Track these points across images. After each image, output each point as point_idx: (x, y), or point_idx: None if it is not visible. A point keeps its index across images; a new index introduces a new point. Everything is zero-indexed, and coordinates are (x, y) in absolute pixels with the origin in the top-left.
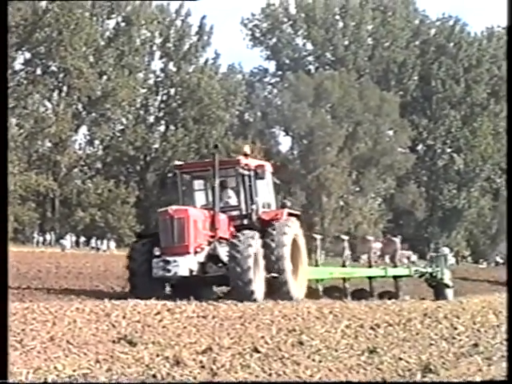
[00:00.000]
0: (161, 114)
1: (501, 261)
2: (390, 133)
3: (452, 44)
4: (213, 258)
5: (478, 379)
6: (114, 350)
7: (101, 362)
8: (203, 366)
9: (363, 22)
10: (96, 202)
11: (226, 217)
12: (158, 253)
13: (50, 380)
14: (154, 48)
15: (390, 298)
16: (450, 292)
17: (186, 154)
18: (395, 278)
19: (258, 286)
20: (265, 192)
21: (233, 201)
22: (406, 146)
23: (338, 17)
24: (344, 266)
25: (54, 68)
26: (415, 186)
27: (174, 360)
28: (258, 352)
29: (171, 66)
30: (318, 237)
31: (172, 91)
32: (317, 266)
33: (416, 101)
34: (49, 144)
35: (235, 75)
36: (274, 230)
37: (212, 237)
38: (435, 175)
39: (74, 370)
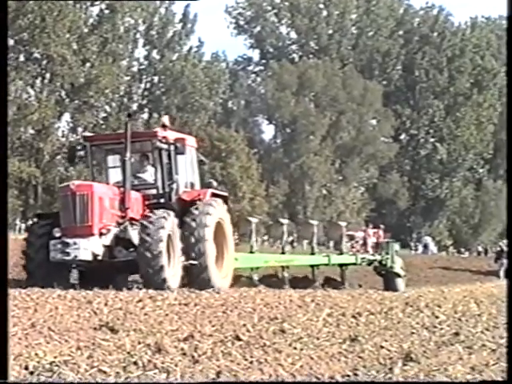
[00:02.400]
0: (144, 102)
1: (483, 250)
2: (374, 122)
3: (436, 34)
4: (123, 241)
5: (459, 367)
6: (95, 337)
7: (82, 348)
8: (185, 354)
9: (347, 10)
10: None
11: (140, 196)
12: (57, 234)
13: (31, 367)
14: (138, 35)
15: (333, 288)
16: (401, 282)
17: None
18: (341, 266)
19: (173, 273)
20: (188, 170)
21: (150, 178)
22: (389, 135)
23: (321, 5)
24: (283, 252)
25: (37, 55)
26: (398, 176)
27: (156, 347)
28: (240, 340)
29: (155, 54)
30: (254, 220)
31: (155, 79)
32: (251, 252)
33: (399, 90)
34: (31, 131)
35: (219, 63)
36: (194, 212)
37: (122, 217)
38: (418, 165)
39: (55, 357)
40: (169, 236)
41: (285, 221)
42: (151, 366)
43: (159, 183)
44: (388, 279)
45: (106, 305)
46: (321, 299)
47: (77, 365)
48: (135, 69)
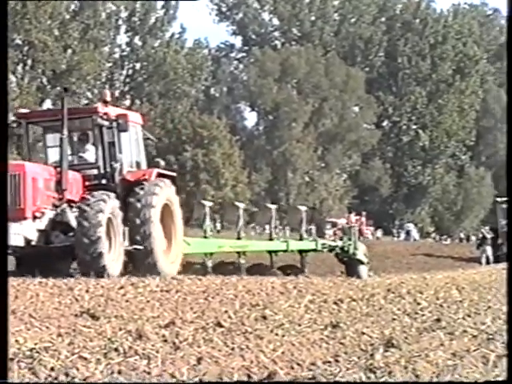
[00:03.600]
0: (126, 89)
1: (465, 237)
2: (356, 109)
3: (418, 20)
4: (60, 225)
5: (440, 353)
6: (76, 324)
7: (63, 335)
8: (166, 340)
9: None
10: None
11: (80, 176)
12: None
13: (11, 354)
14: (120, 22)
15: (292, 274)
16: (364, 269)
17: (151, 129)
18: (301, 252)
19: (113, 260)
20: (133, 148)
21: (91, 157)
22: (371, 122)
23: None
24: (239, 238)
25: (18, 41)
26: (380, 163)
27: (137, 334)
28: (221, 326)
29: (137, 40)
30: (208, 204)
31: (137, 65)
32: (205, 237)
33: (382, 77)
34: (13, 118)
35: (201, 50)
36: (139, 192)
37: (59, 199)
38: (400, 151)
39: (36, 344)
40: (109, 219)
41: (241, 204)
42: (132, 352)
43: (100, 163)
44: (350, 266)
45: (87, 292)
46: (303, 286)
47: (57, 351)
48: (117, 55)
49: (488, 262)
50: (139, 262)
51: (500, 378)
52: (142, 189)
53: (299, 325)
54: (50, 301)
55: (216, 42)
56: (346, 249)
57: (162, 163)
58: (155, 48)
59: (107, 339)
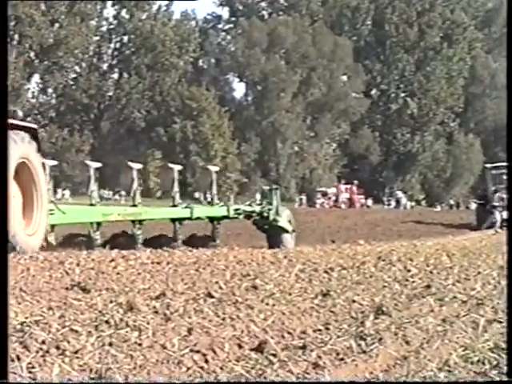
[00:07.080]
0: (114, 62)
1: (454, 204)
2: (344, 78)
3: None
4: None
5: (430, 319)
6: (67, 297)
7: (54, 308)
8: (156, 312)
9: None
10: (50, 151)
11: None
12: None
13: None
14: None
15: (201, 246)
16: (288, 238)
17: (140, 102)
18: (212, 220)
19: None
20: None
21: None
22: (359, 90)
23: None
24: (135, 205)
25: None
26: (369, 131)
27: (128, 306)
28: (212, 297)
29: (124, 13)
30: (94, 165)
31: (125, 39)
32: (92, 205)
33: (369, 45)
34: None
35: (188, 22)
36: None
37: None
38: (389, 120)
39: (27, 317)
40: None
41: (136, 165)
42: (123, 324)
43: None
44: (272, 235)
45: (77, 265)
46: (293, 255)
47: (48, 324)
48: (104, 29)
49: (490, 227)
50: None
51: (497, 378)
52: None
53: (290, 294)
54: (40, 274)
55: (203, 14)
56: (265, 215)
57: (20, 113)
58: (142, 21)
59: (98, 312)
